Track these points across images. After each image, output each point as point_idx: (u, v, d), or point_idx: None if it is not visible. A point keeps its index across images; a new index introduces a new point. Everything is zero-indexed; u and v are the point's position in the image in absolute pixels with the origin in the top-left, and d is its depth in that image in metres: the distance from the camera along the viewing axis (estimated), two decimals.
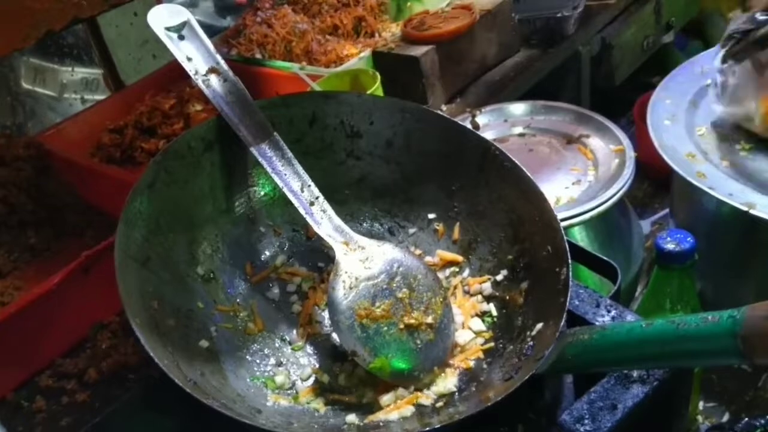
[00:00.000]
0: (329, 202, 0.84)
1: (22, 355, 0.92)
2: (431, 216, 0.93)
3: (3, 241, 1.09)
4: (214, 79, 0.85)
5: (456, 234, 0.91)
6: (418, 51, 1.30)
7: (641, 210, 1.59)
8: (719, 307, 0.61)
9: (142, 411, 0.87)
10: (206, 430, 0.73)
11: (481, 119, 1.32)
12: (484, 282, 0.86)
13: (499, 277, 0.85)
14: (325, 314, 0.86)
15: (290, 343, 0.85)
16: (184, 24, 0.87)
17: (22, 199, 1.11)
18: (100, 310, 0.97)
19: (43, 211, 1.13)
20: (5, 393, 0.91)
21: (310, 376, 0.82)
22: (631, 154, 1.17)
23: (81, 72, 1.78)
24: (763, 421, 0.95)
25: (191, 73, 0.85)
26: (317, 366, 0.83)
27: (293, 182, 0.83)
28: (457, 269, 0.90)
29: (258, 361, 0.82)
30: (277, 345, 0.85)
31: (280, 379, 0.81)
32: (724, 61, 1.14)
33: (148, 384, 0.88)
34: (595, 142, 1.25)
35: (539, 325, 0.75)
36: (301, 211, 0.83)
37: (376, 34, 1.53)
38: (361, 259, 0.82)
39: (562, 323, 0.72)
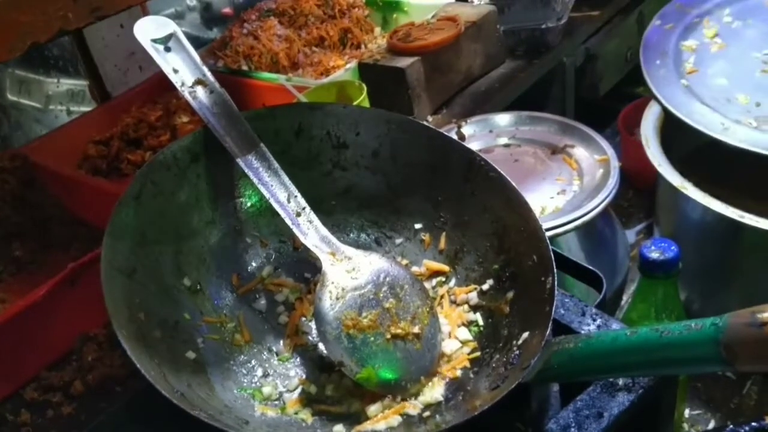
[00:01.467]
0: (316, 213, 0.84)
1: (7, 368, 0.92)
2: (418, 226, 0.93)
3: None
4: (200, 91, 0.85)
5: (442, 244, 0.91)
6: (404, 62, 1.31)
7: (626, 219, 1.60)
8: (704, 315, 0.61)
9: (128, 423, 0.86)
10: None
11: (466, 130, 1.33)
12: (470, 292, 0.87)
13: (485, 287, 0.86)
14: (312, 325, 0.86)
15: (277, 354, 0.85)
16: (171, 36, 0.87)
17: (7, 211, 1.11)
18: (87, 322, 0.96)
19: (29, 224, 1.12)
20: None
21: (297, 387, 0.82)
22: (615, 164, 1.18)
23: (67, 83, 1.77)
24: (748, 428, 0.95)
25: (177, 85, 0.85)
26: (304, 377, 0.83)
27: (280, 193, 0.83)
28: (444, 279, 0.90)
29: (245, 372, 0.82)
30: (264, 356, 0.84)
31: (267, 390, 0.80)
32: None
33: (134, 396, 0.88)
34: (580, 152, 1.26)
35: (525, 335, 0.76)
36: (288, 221, 0.83)
37: (362, 46, 1.54)
38: (348, 270, 0.82)
39: (547, 332, 0.72)
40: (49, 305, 0.91)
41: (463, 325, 0.85)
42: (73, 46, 1.59)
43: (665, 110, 1.16)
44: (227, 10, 1.81)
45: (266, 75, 1.42)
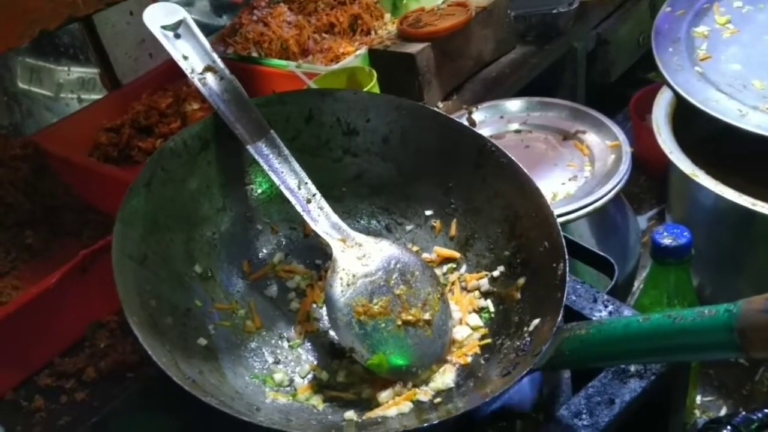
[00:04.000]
0: (326, 200, 0.84)
1: (21, 354, 0.92)
2: (428, 213, 0.93)
3: (0, 241, 1.09)
4: (210, 78, 0.85)
5: (453, 230, 0.91)
6: (414, 48, 1.30)
7: (637, 205, 1.59)
8: (717, 302, 0.61)
9: (140, 410, 0.87)
10: (205, 428, 0.73)
11: (477, 116, 1.33)
12: (481, 278, 0.86)
13: (496, 273, 0.86)
14: (323, 311, 0.86)
15: (288, 341, 0.85)
16: (180, 22, 0.87)
17: (19, 198, 1.11)
18: (98, 310, 0.97)
19: (41, 211, 1.12)
20: (4, 392, 0.91)
21: (308, 374, 0.82)
22: (627, 149, 1.17)
23: (77, 71, 1.78)
24: (760, 415, 0.95)
25: (187, 72, 0.85)
26: (315, 363, 0.83)
27: (290, 180, 0.83)
28: (455, 265, 0.90)
29: (256, 358, 0.82)
30: (275, 342, 0.85)
31: (278, 376, 0.81)
32: None
33: (146, 383, 0.88)
34: (592, 138, 1.25)
35: (536, 321, 0.75)
36: (298, 208, 0.83)
37: (372, 32, 1.53)
38: (359, 256, 0.82)
39: (559, 319, 0.72)
40: (61, 292, 0.91)
41: (474, 311, 0.84)
42: (84, 34, 1.60)
43: (680, 98, 1.15)
44: None
45: (276, 62, 1.42)
